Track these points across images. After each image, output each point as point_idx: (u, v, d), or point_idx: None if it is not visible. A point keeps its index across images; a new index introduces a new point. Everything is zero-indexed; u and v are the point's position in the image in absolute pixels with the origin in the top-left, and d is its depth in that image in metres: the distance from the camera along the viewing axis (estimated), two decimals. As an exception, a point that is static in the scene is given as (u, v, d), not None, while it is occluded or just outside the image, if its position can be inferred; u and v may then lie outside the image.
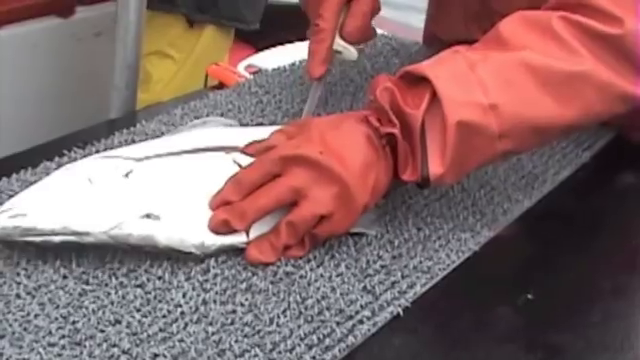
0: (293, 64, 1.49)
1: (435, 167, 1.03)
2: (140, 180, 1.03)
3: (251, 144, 1.08)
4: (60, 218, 0.96)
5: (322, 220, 1.01)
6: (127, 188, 1.02)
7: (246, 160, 1.07)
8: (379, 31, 1.66)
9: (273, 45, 1.80)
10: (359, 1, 1.26)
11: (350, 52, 1.27)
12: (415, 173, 1.04)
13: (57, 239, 0.96)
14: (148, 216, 0.99)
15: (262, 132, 1.12)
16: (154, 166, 1.06)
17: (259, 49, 1.83)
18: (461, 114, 1.01)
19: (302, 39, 1.75)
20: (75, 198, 0.99)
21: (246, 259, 1.01)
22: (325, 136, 1.03)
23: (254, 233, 1.02)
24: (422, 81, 1.04)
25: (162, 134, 1.20)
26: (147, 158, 1.06)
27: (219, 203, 1.02)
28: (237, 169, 1.06)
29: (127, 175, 1.03)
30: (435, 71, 1.04)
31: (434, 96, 1.02)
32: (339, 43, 1.26)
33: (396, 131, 1.03)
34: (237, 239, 1.02)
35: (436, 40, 1.61)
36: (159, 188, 1.03)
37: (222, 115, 1.31)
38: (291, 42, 1.75)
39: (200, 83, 2.06)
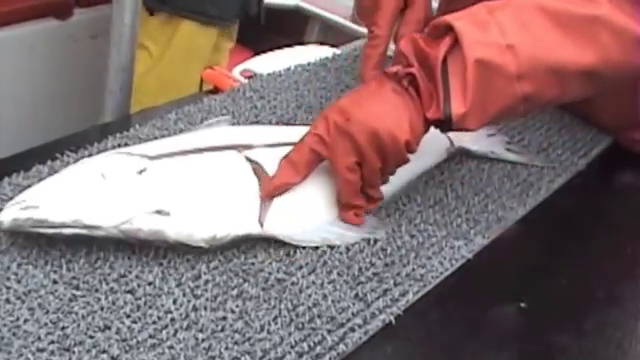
0: (288, 69, 1.49)
1: (457, 106, 1.04)
2: (153, 178, 1.04)
3: None
4: (72, 211, 0.97)
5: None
6: (139, 185, 1.03)
7: (258, 157, 1.10)
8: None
9: (272, 49, 1.79)
10: (413, 9, 1.29)
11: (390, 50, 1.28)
12: (438, 111, 1.06)
13: (68, 232, 0.97)
14: (158, 212, 1.00)
15: (274, 131, 1.16)
16: (167, 165, 1.07)
17: (256, 53, 1.82)
18: (479, 52, 1.04)
19: (299, 44, 1.75)
20: (87, 192, 1.00)
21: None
22: (351, 102, 1.08)
23: (269, 222, 1.04)
24: (446, 31, 1.07)
25: (155, 139, 1.20)
26: (161, 157, 1.08)
27: (281, 187, 1.08)
28: (249, 167, 1.09)
29: (141, 173, 1.04)
30: (456, 17, 1.07)
31: (456, 40, 1.05)
32: (393, 50, 1.27)
33: (414, 70, 1.06)
34: (251, 229, 1.03)
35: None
36: (171, 186, 1.04)
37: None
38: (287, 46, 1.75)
39: (181, 79, 2.07)
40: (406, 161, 1.09)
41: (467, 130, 1.08)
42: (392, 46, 1.28)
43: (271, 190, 1.07)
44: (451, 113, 1.04)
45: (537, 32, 1.06)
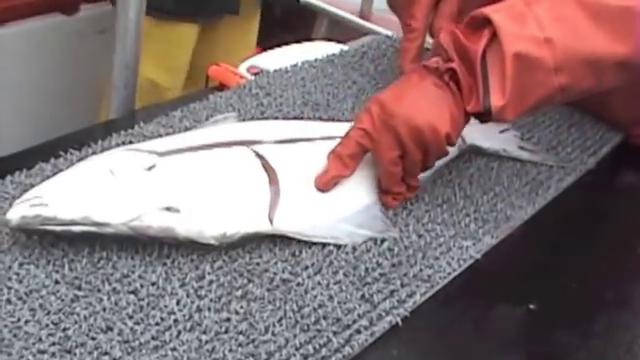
0: (295, 65, 1.47)
1: (496, 99, 1.07)
2: (162, 174, 1.04)
3: None
4: (81, 208, 0.97)
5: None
6: (149, 181, 1.02)
7: (267, 153, 1.10)
8: (384, 32, 1.65)
9: (279, 46, 1.78)
10: (447, 1, 1.33)
11: None
12: (478, 104, 1.09)
13: (77, 229, 0.96)
14: (168, 209, 0.99)
15: (283, 126, 1.17)
16: (176, 161, 1.07)
17: (263, 49, 1.81)
18: (518, 46, 1.06)
19: (306, 40, 1.73)
20: (97, 189, 1.00)
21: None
22: (393, 96, 1.11)
23: (278, 219, 1.04)
24: (484, 24, 1.09)
25: (160, 136, 1.19)
26: (170, 153, 1.07)
27: (333, 180, 1.11)
28: (259, 162, 1.09)
29: (150, 169, 1.03)
30: (495, 10, 1.09)
31: (495, 34, 1.08)
32: (428, 42, 1.31)
33: (454, 65, 1.09)
34: (261, 226, 1.03)
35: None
36: (180, 182, 1.04)
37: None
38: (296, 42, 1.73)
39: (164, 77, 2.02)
40: (446, 153, 1.13)
41: (505, 121, 1.12)
42: (428, 39, 1.33)
43: (321, 185, 1.10)
44: (491, 106, 1.07)
45: (573, 25, 1.09)
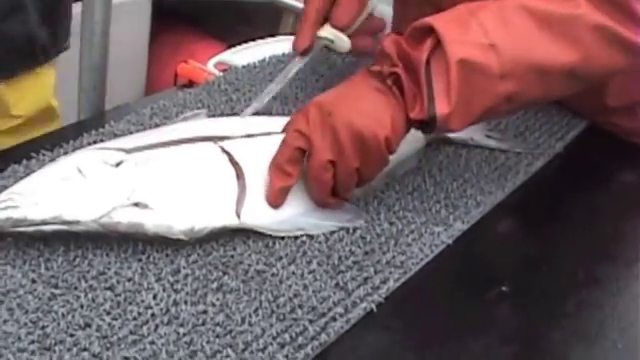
0: (263, 60, 1.48)
1: (441, 106, 1.04)
2: (130, 170, 1.04)
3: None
4: (51, 208, 0.97)
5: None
6: (117, 178, 1.03)
7: (234, 148, 1.10)
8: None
9: (244, 42, 1.79)
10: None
11: (343, 41, 1.29)
12: (422, 112, 1.05)
13: (48, 229, 0.97)
14: (137, 205, 1.00)
15: (251, 122, 1.17)
16: (144, 157, 1.07)
17: (231, 46, 1.82)
18: (462, 52, 1.04)
19: (273, 36, 1.74)
20: (66, 189, 1.00)
21: None
22: (333, 98, 1.08)
23: (245, 214, 1.04)
24: (428, 33, 1.06)
25: (131, 134, 1.19)
26: (137, 149, 1.08)
27: (281, 192, 1.08)
28: (225, 158, 1.09)
29: (117, 165, 1.04)
30: (437, 18, 1.07)
31: (439, 42, 1.05)
32: (331, 32, 1.29)
33: (398, 70, 1.06)
34: (228, 221, 1.03)
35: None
36: (149, 178, 1.04)
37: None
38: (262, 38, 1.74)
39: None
40: (385, 163, 1.08)
41: (450, 131, 1.09)
42: (330, 29, 1.29)
43: (272, 200, 1.07)
44: (435, 114, 1.04)
45: (519, 31, 1.07)
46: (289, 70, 1.29)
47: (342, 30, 1.28)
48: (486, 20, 1.06)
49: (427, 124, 1.06)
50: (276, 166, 1.07)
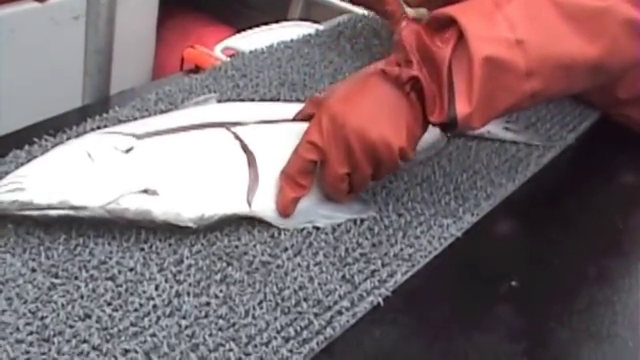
0: (271, 46, 1.46)
1: (462, 106, 1.01)
2: (140, 157, 1.03)
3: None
4: (58, 192, 0.96)
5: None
6: (126, 164, 1.01)
7: (246, 134, 1.08)
8: (359, 11, 1.64)
9: (252, 27, 1.77)
10: None
11: (421, 14, 1.27)
12: (442, 114, 1.02)
13: (54, 213, 0.96)
14: (145, 191, 0.99)
15: (263, 107, 1.16)
16: (155, 143, 1.06)
17: (238, 30, 1.80)
18: (487, 49, 1.00)
19: (280, 20, 1.72)
20: (74, 173, 0.99)
21: None
22: (345, 105, 1.03)
23: (256, 202, 1.03)
24: (449, 24, 1.03)
25: (135, 119, 1.18)
26: (148, 135, 1.06)
27: (292, 203, 1.05)
28: (238, 144, 1.08)
29: (127, 152, 1.03)
30: (461, 11, 1.03)
31: (461, 36, 1.01)
32: (407, 10, 1.27)
33: (416, 73, 1.02)
34: (239, 209, 1.02)
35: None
36: (158, 164, 1.03)
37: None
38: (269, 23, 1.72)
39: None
40: (398, 169, 1.07)
41: (472, 129, 1.07)
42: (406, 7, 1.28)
43: (283, 210, 1.05)
44: (456, 114, 1.01)
45: (546, 26, 1.03)
46: None
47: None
48: (513, 14, 1.02)
49: (448, 125, 1.03)
50: (288, 176, 1.05)
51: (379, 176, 1.06)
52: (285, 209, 1.04)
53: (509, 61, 1.01)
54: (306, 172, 1.05)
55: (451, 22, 1.02)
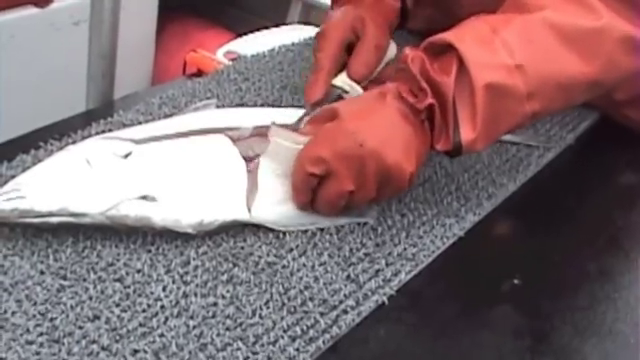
0: (272, 50, 1.47)
1: (467, 133, 1.02)
2: (138, 162, 1.03)
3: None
4: (58, 199, 0.96)
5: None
6: (125, 170, 1.02)
7: (245, 141, 1.09)
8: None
9: (252, 31, 1.78)
10: (365, 39, 1.24)
11: (357, 92, 1.22)
12: (448, 142, 1.04)
13: (55, 220, 0.96)
14: (145, 198, 0.99)
15: (261, 113, 1.16)
16: (153, 148, 1.06)
17: (238, 35, 1.81)
18: (488, 76, 1.01)
19: (281, 25, 1.73)
20: (73, 180, 0.99)
21: None
22: (362, 125, 1.02)
23: (256, 208, 1.03)
24: (447, 50, 1.03)
25: (140, 124, 1.18)
26: (146, 140, 1.07)
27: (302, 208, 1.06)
28: (236, 150, 1.08)
29: (126, 157, 1.03)
30: (459, 37, 1.04)
31: (460, 62, 1.02)
32: (346, 81, 1.22)
33: (433, 101, 1.02)
34: (239, 215, 1.03)
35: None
36: (157, 170, 1.03)
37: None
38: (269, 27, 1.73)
39: None
40: (403, 192, 1.08)
41: (474, 152, 1.08)
42: (345, 78, 1.23)
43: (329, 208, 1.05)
44: (461, 142, 1.02)
45: (544, 49, 1.05)
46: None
47: (359, 82, 1.23)
48: (510, 38, 1.04)
49: (453, 151, 1.04)
50: (293, 185, 1.06)
51: (380, 198, 1.06)
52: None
53: (510, 86, 1.02)
54: (304, 183, 1.04)
55: (449, 48, 1.03)
